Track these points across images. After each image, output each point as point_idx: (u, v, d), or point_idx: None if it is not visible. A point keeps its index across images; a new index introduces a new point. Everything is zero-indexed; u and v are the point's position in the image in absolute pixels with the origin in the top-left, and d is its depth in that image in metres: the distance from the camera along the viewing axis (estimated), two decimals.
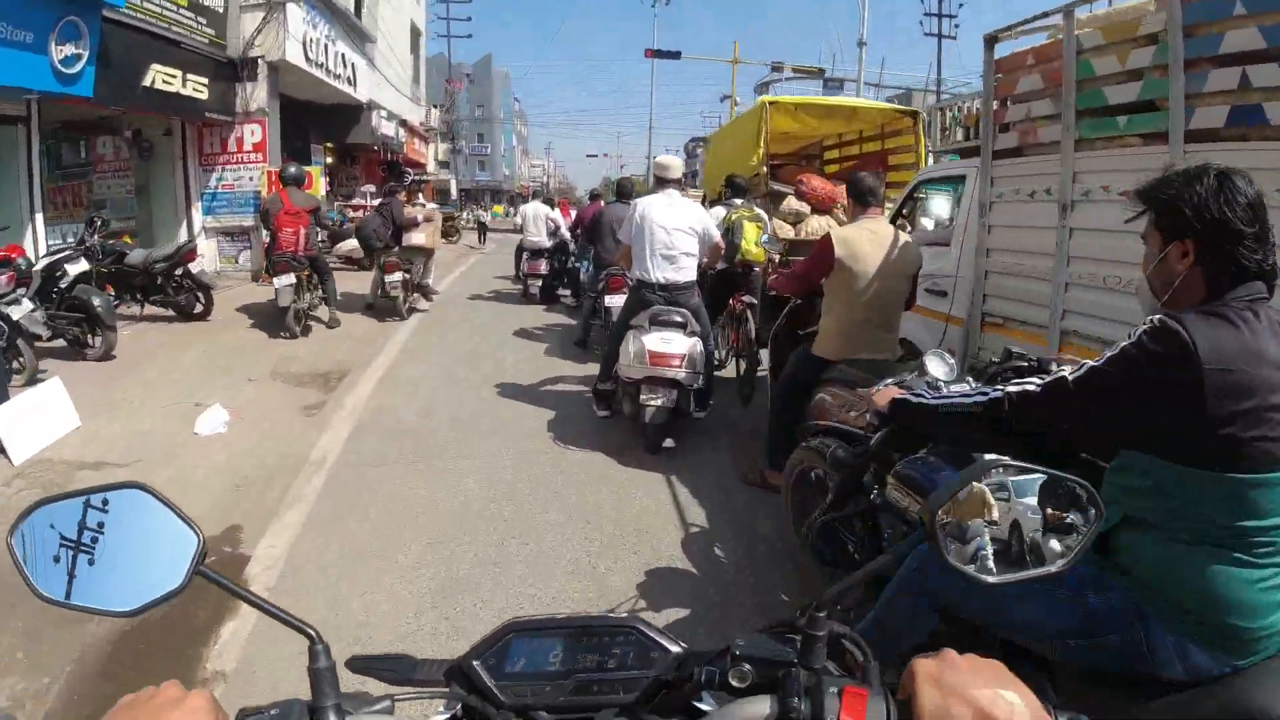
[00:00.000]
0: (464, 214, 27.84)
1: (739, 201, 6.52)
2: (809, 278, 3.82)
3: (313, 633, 0.71)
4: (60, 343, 6.88)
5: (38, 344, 6.76)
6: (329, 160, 19.00)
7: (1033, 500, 0.82)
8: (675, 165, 5.15)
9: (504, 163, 73.69)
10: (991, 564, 0.75)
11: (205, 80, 10.81)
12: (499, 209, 50.27)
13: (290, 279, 8.52)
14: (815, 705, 0.67)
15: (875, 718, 0.64)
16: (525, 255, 11.12)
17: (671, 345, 4.53)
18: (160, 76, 9.67)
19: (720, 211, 6.34)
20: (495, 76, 70.73)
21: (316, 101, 16.12)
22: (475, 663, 0.76)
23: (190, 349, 7.61)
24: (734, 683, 0.72)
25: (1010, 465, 0.77)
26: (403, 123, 19.95)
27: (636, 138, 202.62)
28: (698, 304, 4.97)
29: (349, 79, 15.26)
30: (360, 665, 0.81)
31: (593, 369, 7.13)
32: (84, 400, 5.52)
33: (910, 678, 0.64)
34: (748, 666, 0.72)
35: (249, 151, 12.38)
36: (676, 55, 31.35)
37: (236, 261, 12.68)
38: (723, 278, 6.13)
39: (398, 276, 9.19)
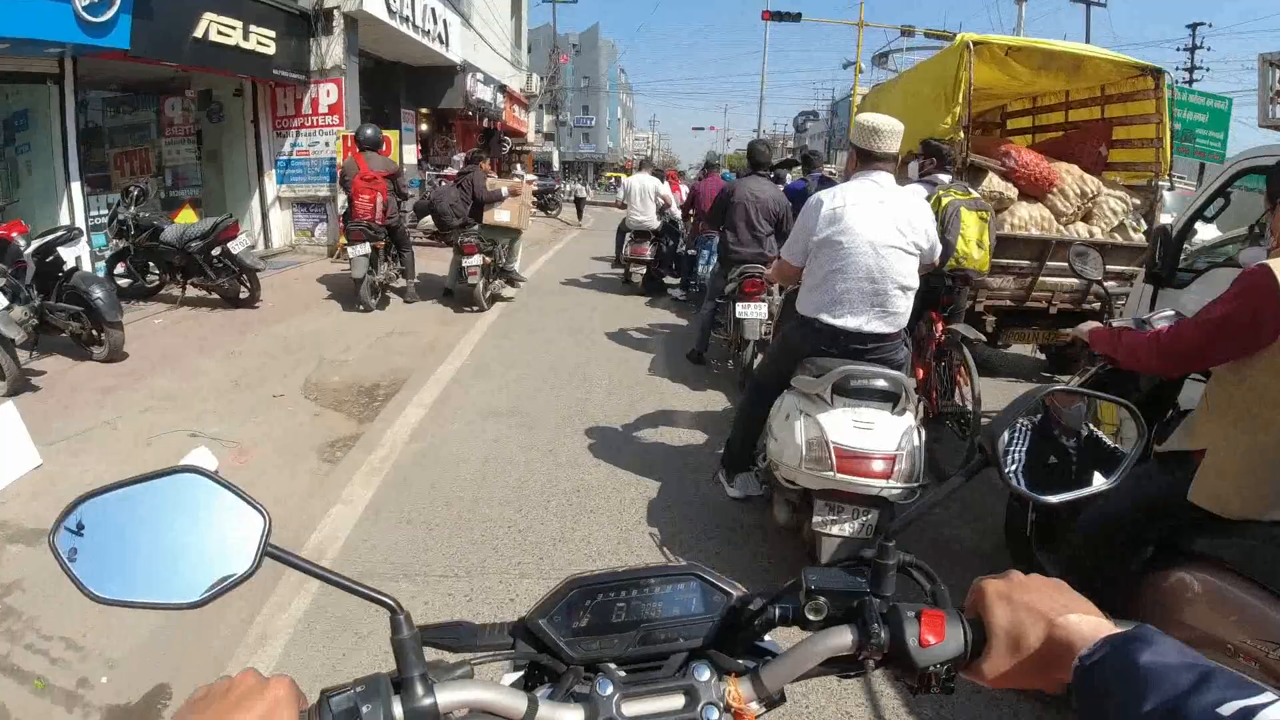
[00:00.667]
0: (564, 186, 25.42)
1: (946, 179, 4.51)
2: (1215, 348, 1.86)
3: (392, 603, 0.66)
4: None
5: (49, 337, 5.57)
6: (423, 127, 17.81)
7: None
8: (889, 130, 2.92)
9: (608, 135, 72.45)
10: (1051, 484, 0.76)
11: (272, 33, 9.54)
12: (612, 176, 46.95)
13: (365, 248, 7.69)
14: (895, 630, 0.68)
15: (954, 636, 0.67)
16: (628, 236, 9.35)
17: (876, 436, 2.66)
18: (216, 27, 8.40)
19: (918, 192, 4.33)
20: (601, 47, 69.35)
21: (405, 62, 14.84)
22: (541, 621, 0.76)
23: (220, 348, 6.24)
24: (810, 616, 0.72)
25: (1062, 390, 0.79)
26: (501, 88, 18.50)
27: (742, 111, 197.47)
28: (905, 357, 3.09)
29: (440, 36, 13.83)
30: (425, 637, 0.71)
31: (713, 400, 5.29)
32: (63, 423, 4.34)
33: (979, 596, 0.68)
34: (822, 599, 0.72)
35: (324, 114, 11.10)
36: (796, 17, 28.48)
37: (312, 235, 11.52)
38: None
39: (477, 260, 7.62)
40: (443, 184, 8.15)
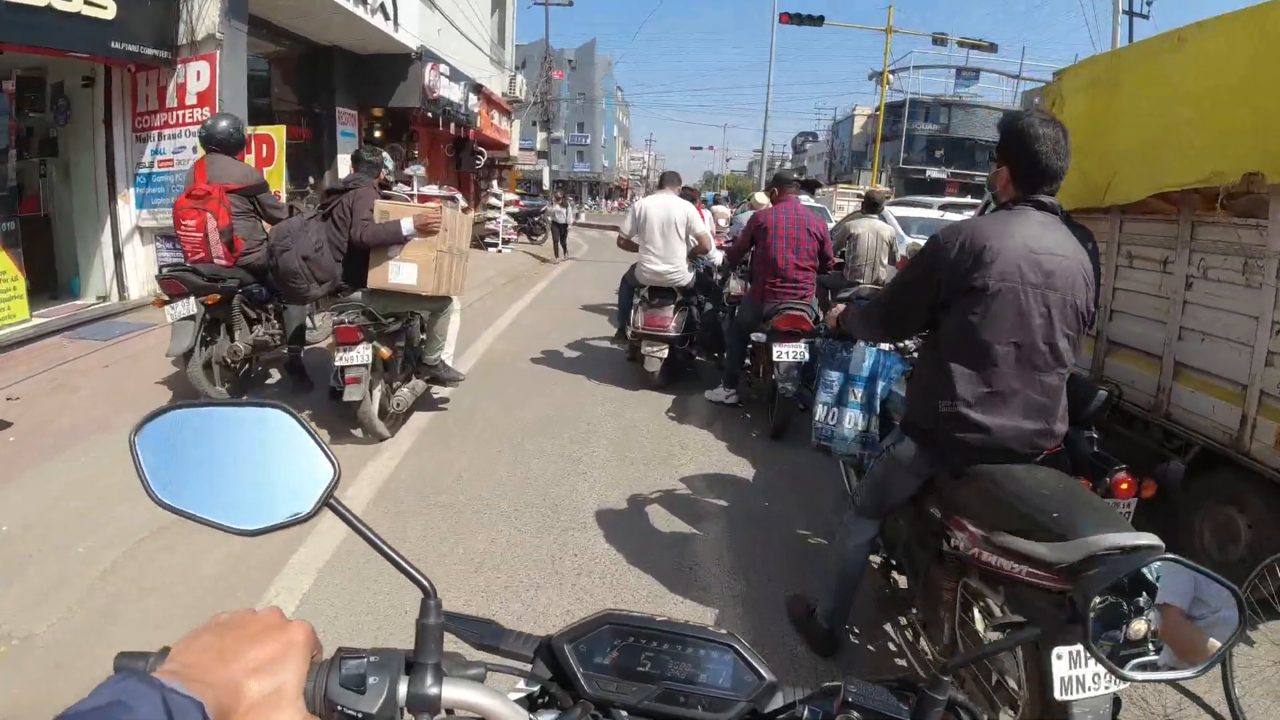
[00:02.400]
0: (556, 207, 18.70)
1: None
2: None
3: (429, 586, 0.67)
4: None
5: None
6: (378, 134, 14.31)
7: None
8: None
9: (603, 154, 69.50)
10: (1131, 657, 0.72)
11: None
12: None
13: (189, 307, 4.69)
14: None
15: None
16: (640, 297, 5.79)
17: None
18: None
19: None
20: (598, 63, 66.74)
21: (344, 47, 11.37)
22: (566, 645, 0.74)
23: None
24: None
25: (1172, 560, 0.72)
26: (476, 88, 15.04)
27: (741, 131, 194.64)
28: None
29: (383, 8, 10.36)
30: (452, 626, 0.73)
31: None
32: None
33: None
34: (857, 715, 0.70)
35: (192, 106, 7.59)
36: (819, 21, 25.32)
37: None
38: None
39: (360, 355, 4.08)
40: (297, 216, 4.58)
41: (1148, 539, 1.49)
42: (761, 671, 0.74)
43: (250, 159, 7.16)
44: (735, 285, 7.41)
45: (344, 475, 3.33)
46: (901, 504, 2.37)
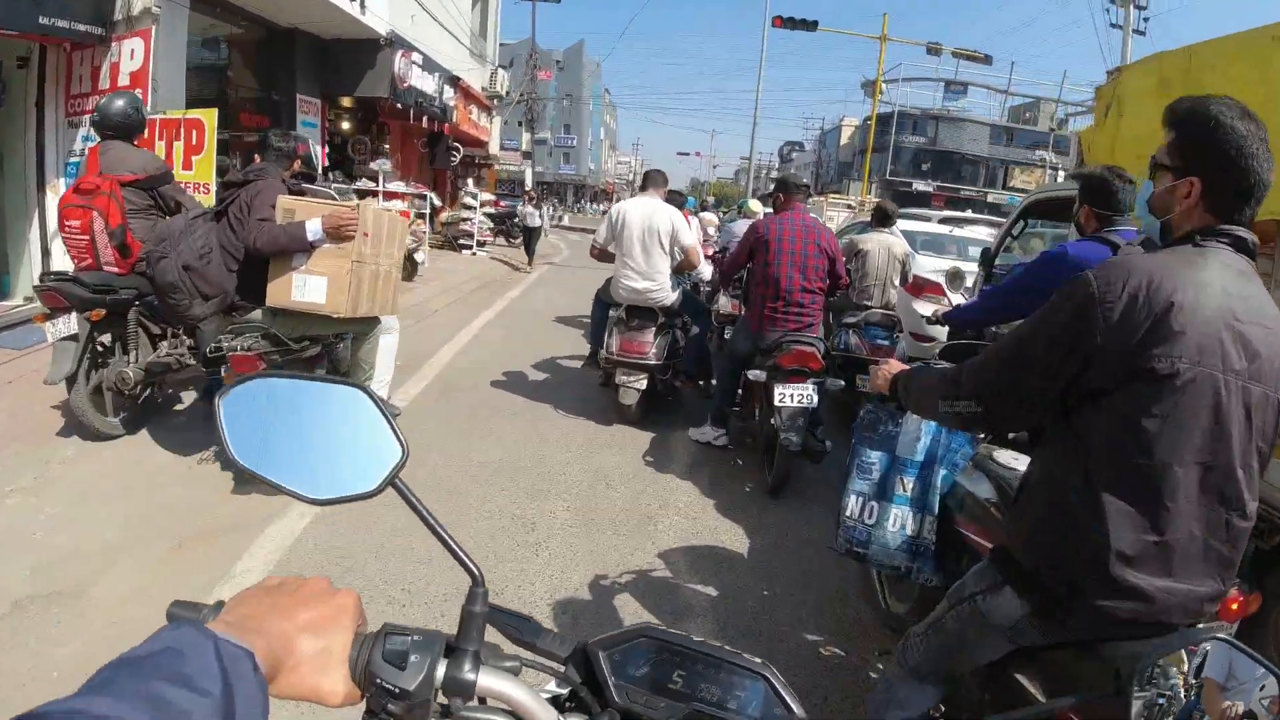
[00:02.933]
0: (528, 208, 15.66)
1: None
2: None
3: (478, 574, 0.69)
4: None
5: None
6: (345, 125, 13.40)
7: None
8: None
9: (589, 157, 68.74)
10: None
11: None
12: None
13: (69, 324, 3.89)
14: None
15: None
16: (614, 316, 4.96)
17: None
18: None
19: None
20: (586, 65, 66.09)
21: (307, 29, 10.48)
22: (601, 652, 0.74)
23: None
24: None
25: (1227, 641, 0.72)
26: (453, 80, 14.14)
27: (729, 138, 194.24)
28: None
29: None
30: (492, 618, 0.74)
31: None
32: None
33: None
34: None
35: (125, 89, 6.74)
36: (812, 25, 24.77)
37: None
38: None
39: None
40: (179, 215, 3.69)
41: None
42: (792, 705, 0.72)
43: (179, 147, 6.33)
44: (725, 302, 6.59)
45: (238, 539, 2.89)
46: (979, 666, 1.57)
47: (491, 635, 0.73)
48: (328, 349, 3.90)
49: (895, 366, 1.68)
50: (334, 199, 3.83)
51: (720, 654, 0.75)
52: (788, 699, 0.72)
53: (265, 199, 3.35)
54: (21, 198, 7.01)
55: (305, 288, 3.27)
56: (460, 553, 0.69)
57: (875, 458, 2.05)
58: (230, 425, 0.69)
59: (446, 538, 0.69)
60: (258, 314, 3.52)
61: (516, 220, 16.35)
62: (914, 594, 2.29)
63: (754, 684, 0.73)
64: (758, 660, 0.75)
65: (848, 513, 2.10)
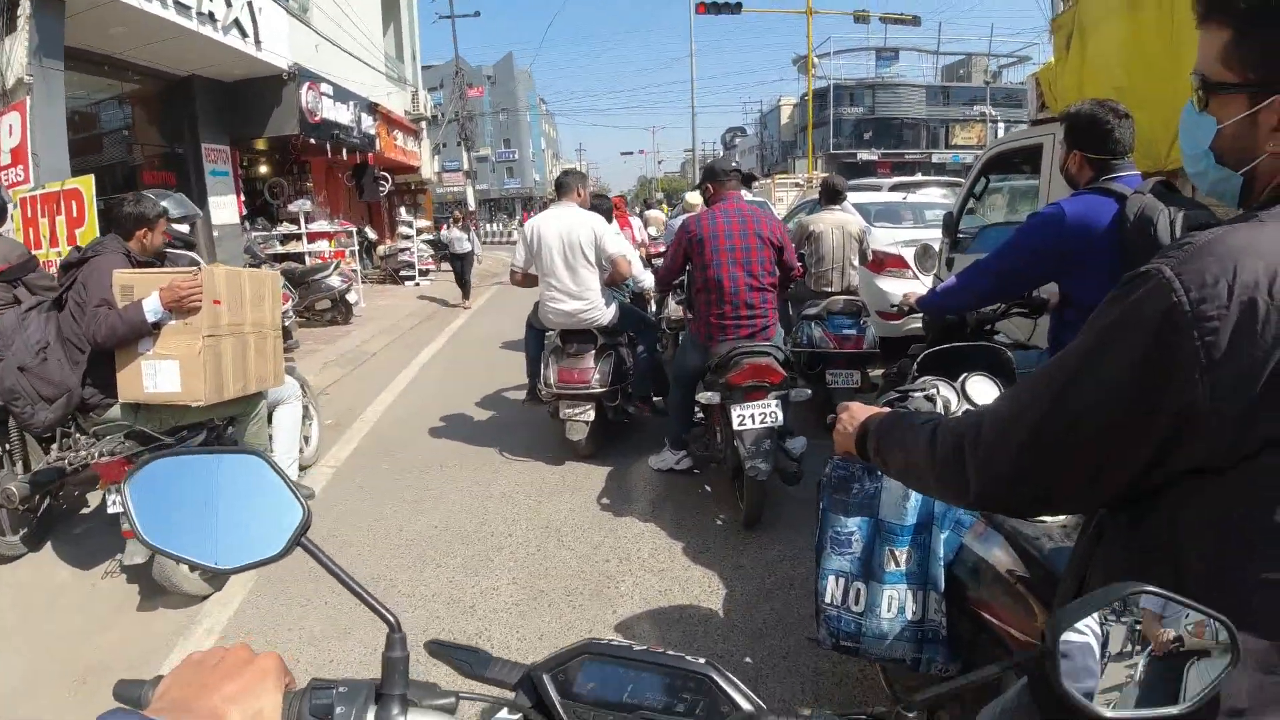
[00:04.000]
0: (454, 232, 12.85)
1: None
2: None
3: (393, 620, 0.70)
4: None
5: None
6: (264, 169, 12.71)
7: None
8: None
9: (533, 167, 68.06)
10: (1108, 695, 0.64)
11: None
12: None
13: None
14: None
15: None
16: (553, 345, 4.44)
17: None
18: None
19: None
20: (518, 77, 65.51)
21: (206, 75, 9.85)
22: (545, 676, 0.75)
23: None
24: None
25: (1155, 593, 0.63)
26: (370, 107, 13.48)
27: (671, 133, 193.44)
28: None
29: (238, 26, 8.84)
30: (437, 650, 0.80)
31: None
32: None
33: None
34: None
35: (5, 167, 6.18)
36: (736, 8, 24.41)
37: None
38: None
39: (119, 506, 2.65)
40: (10, 311, 3.11)
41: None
42: (739, 700, 0.73)
43: (61, 221, 5.70)
44: (674, 308, 6.10)
45: (144, 662, 2.68)
46: None
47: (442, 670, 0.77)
48: (215, 435, 3.33)
49: (860, 413, 1.17)
50: (197, 264, 3.25)
51: (663, 659, 0.76)
52: (734, 694, 0.73)
53: (100, 278, 2.78)
54: None
55: (156, 375, 2.70)
56: (373, 601, 0.69)
57: (854, 525, 1.55)
58: (138, 508, 0.70)
59: (358, 589, 0.69)
60: (116, 410, 2.94)
61: (444, 241, 13.31)
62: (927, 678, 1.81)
63: (700, 684, 0.74)
64: (701, 660, 0.75)
65: (827, 598, 1.60)
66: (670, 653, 0.77)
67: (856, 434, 1.15)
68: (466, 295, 12.75)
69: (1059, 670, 0.60)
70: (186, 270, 2.81)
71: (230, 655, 0.61)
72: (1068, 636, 0.61)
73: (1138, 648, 0.65)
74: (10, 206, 5.46)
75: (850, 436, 1.16)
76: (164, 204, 3.37)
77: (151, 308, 2.66)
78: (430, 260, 15.50)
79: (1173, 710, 0.63)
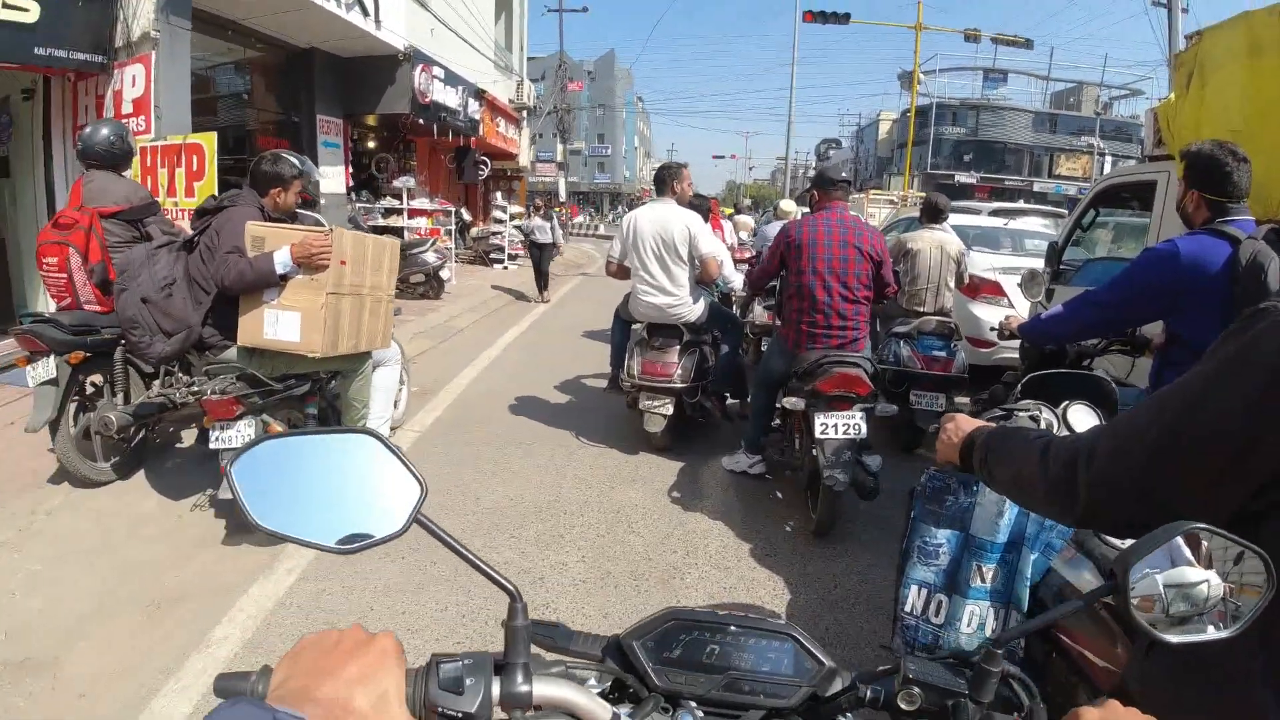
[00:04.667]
0: (536, 220, 12.25)
1: None
2: None
3: (514, 590, 0.70)
4: None
5: None
6: (371, 144, 13.27)
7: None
8: None
9: (624, 164, 68.62)
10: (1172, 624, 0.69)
11: None
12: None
13: (46, 370, 3.55)
14: None
15: None
16: (639, 337, 4.53)
17: None
18: None
19: None
20: (618, 74, 66.06)
21: (324, 49, 10.33)
22: (635, 642, 0.77)
23: None
24: (902, 705, 0.71)
25: (1205, 529, 0.68)
26: (478, 94, 13.90)
27: (764, 139, 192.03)
28: None
29: (359, 4, 9.27)
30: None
31: None
32: None
33: None
34: (918, 690, 0.70)
35: (129, 116, 6.60)
36: (845, 18, 24.05)
37: None
38: None
39: (237, 438, 2.88)
40: (142, 245, 3.34)
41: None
42: (821, 658, 0.76)
43: (181, 173, 6.11)
44: (760, 312, 6.10)
45: (217, 601, 2.80)
46: None
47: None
48: (318, 386, 3.54)
49: (966, 424, 1.19)
50: (322, 225, 3.46)
51: (747, 622, 0.78)
52: (815, 652, 0.76)
53: (231, 231, 2.99)
54: (35, 233, 6.91)
55: (277, 324, 2.90)
56: (493, 573, 0.70)
57: (943, 538, 1.56)
58: (246, 491, 0.69)
59: (477, 562, 0.70)
60: (232, 352, 3.16)
61: (528, 230, 12.31)
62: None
63: (783, 644, 0.77)
64: (783, 621, 0.79)
65: (907, 607, 1.61)
66: (753, 615, 0.80)
67: (962, 444, 1.17)
68: (544, 287, 11.80)
69: (1128, 601, 0.66)
70: (318, 230, 3.01)
71: (347, 637, 0.60)
72: (1135, 571, 0.66)
73: (1193, 579, 0.69)
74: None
75: (955, 447, 1.17)
76: (302, 167, 3.58)
77: (282, 260, 2.87)
78: (520, 245, 15.90)
79: (1224, 633, 0.68)
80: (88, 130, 4.10)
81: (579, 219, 40.36)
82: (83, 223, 3.79)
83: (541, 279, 11.83)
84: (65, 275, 3.81)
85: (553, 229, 12.02)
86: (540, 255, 11.78)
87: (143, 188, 4.36)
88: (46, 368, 3.63)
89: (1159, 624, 0.68)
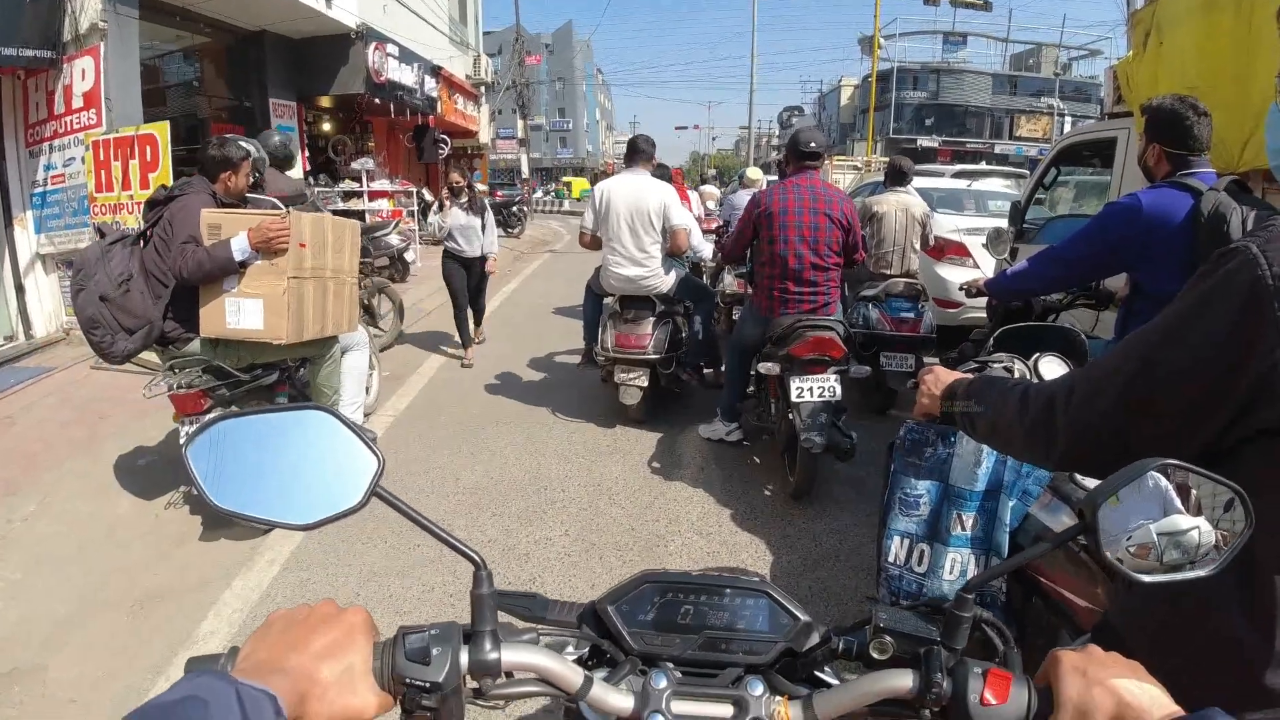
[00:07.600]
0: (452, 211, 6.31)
1: None
2: None
3: (478, 559, 0.70)
4: None
5: None
6: (326, 127, 12.97)
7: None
8: None
9: (587, 138, 67.95)
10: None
11: None
12: (584, 185, 38.83)
13: None
14: (958, 683, 0.65)
15: (1017, 700, 0.64)
16: (611, 310, 4.53)
17: None
18: None
19: None
20: (576, 46, 65.06)
21: (276, 31, 10.02)
22: (610, 607, 0.78)
23: None
24: (874, 654, 0.71)
25: (1178, 465, 0.67)
26: (434, 70, 13.62)
27: (727, 108, 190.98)
28: None
29: None
30: (500, 601, 0.77)
31: None
32: None
33: (1053, 665, 0.64)
34: (889, 639, 0.71)
35: (79, 111, 6.36)
36: None
37: None
38: None
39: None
40: (95, 243, 3.21)
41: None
42: (796, 612, 0.77)
43: (135, 165, 5.94)
44: (730, 281, 6.11)
45: (201, 596, 2.77)
46: None
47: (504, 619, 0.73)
48: (287, 375, 3.48)
49: (945, 376, 1.21)
50: (278, 209, 3.38)
51: (720, 581, 0.79)
52: (790, 607, 0.77)
53: (188, 217, 2.91)
54: None
55: (239, 313, 2.84)
56: (456, 542, 0.69)
57: (923, 489, 1.59)
58: (202, 473, 0.69)
59: (440, 532, 0.69)
60: (196, 344, 3.09)
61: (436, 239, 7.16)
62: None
63: (758, 601, 0.77)
64: (756, 578, 0.81)
65: (890, 558, 1.65)
66: (725, 574, 0.81)
67: (942, 395, 1.19)
68: (468, 342, 6.37)
69: (1099, 540, 0.66)
70: (275, 212, 2.94)
71: (316, 611, 0.61)
72: (1105, 510, 0.66)
73: (1167, 517, 0.69)
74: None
75: (935, 398, 1.20)
76: (247, 147, 3.49)
77: (239, 247, 2.80)
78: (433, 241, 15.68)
79: (1201, 572, 0.67)
80: (263, 135, 4.79)
81: (539, 195, 38.11)
82: None
83: (465, 324, 6.35)
84: None
85: (485, 227, 6.40)
86: (465, 277, 6.31)
87: (301, 182, 4.56)
88: None
89: (1151, 570, 0.67)
